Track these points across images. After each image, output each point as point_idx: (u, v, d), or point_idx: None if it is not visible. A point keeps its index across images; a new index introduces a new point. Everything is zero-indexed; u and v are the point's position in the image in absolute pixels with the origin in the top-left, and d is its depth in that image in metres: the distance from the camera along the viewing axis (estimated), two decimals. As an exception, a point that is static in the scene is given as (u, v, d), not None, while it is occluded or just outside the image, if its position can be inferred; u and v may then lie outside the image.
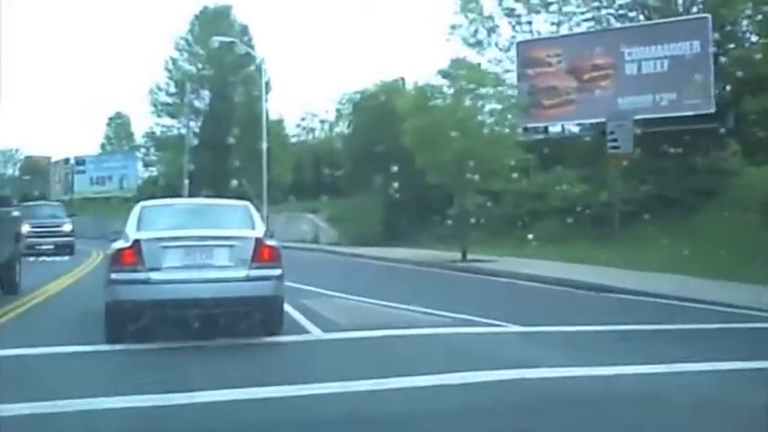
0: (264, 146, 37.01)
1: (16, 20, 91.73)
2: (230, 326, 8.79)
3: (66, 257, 24.45)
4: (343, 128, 33.97)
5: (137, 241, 8.50)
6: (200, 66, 46.40)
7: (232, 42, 42.12)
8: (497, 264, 18.16)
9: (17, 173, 79.61)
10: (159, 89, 46.80)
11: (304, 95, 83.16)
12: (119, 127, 70.67)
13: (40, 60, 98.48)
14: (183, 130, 46.41)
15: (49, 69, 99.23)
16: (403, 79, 28.20)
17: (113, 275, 8.47)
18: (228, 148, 43.36)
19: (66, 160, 55.53)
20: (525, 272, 16.19)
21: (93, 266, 20.03)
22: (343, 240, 27.57)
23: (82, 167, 53.67)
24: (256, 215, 9.64)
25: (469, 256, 19.64)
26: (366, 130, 26.44)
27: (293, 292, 10.98)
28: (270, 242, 8.91)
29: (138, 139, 66.05)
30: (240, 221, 9.33)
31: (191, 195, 37.58)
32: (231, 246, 8.65)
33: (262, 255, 8.63)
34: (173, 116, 47.41)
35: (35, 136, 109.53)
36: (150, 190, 52.45)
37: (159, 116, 48.15)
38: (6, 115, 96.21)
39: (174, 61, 46.69)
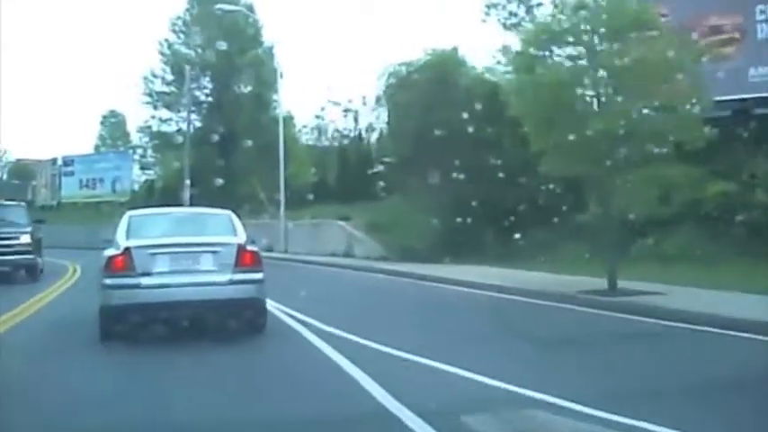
0: (281, 139, 31.15)
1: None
2: (216, 326, 9.03)
3: (31, 282, 17.85)
4: (377, 114, 27.85)
5: (127, 249, 8.97)
6: (199, 50, 40.37)
7: (237, 18, 36.26)
8: (670, 298, 11.49)
9: (5, 176, 74.57)
10: (154, 76, 40.71)
11: (318, 85, 75.06)
12: (113, 126, 65.57)
13: (29, 57, 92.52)
14: (183, 125, 40.43)
15: (38, 66, 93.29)
16: (456, 49, 22.14)
17: (106, 281, 8.93)
18: (234, 144, 37.59)
19: (54, 161, 49.59)
20: (738, 315, 9.75)
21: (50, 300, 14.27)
22: (389, 254, 21.57)
23: (70, 168, 47.74)
24: (238, 223, 9.97)
25: (621, 284, 12.73)
26: (416, 113, 20.44)
27: (359, 351, 8.18)
28: (251, 248, 9.42)
29: (134, 137, 60.81)
30: (223, 229, 9.76)
31: (192, 198, 31.92)
32: (215, 252, 9.19)
33: (244, 260, 9.16)
34: (170, 108, 41.32)
35: (26, 137, 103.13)
36: (146, 195, 46.74)
37: (155, 108, 42.00)
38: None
39: (170, 45, 40.62)
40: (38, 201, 52.75)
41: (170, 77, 40.98)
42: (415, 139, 20.73)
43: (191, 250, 9.13)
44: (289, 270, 22.00)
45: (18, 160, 68.96)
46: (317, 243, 26.53)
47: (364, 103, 33.84)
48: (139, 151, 63.94)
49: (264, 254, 29.31)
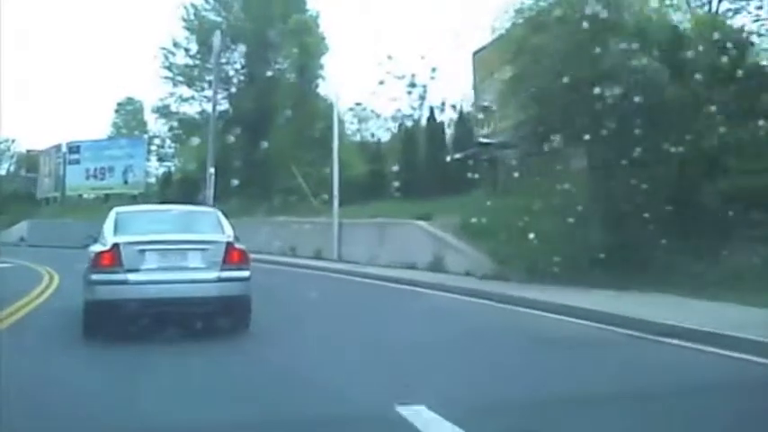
0: (335, 121, 24.65)
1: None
2: (202, 324, 8.74)
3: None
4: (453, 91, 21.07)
5: (116, 245, 8.88)
6: (230, 17, 33.89)
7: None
8: None
9: (12, 168, 68.83)
10: (176, 46, 34.23)
11: (367, 61, 64.81)
12: (129, 114, 59.86)
13: (41, 43, 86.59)
14: (207, 105, 33.96)
15: (49, 52, 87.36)
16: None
17: (93, 276, 8.84)
18: (270, 128, 31.11)
19: (58, 148, 43.16)
20: None
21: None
22: (506, 271, 14.79)
23: (76, 156, 41.33)
24: (225, 221, 9.89)
25: None
26: (554, 67, 13.73)
27: None
28: (239, 246, 9.31)
29: (153, 127, 54.93)
30: (210, 227, 9.72)
31: (216, 191, 25.59)
32: (204, 249, 9.15)
33: (232, 257, 9.13)
34: (193, 85, 34.82)
35: (36, 127, 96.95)
36: (162, 187, 40.37)
37: (175, 85, 35.45)
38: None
39: (196, 9, 34.14)
40: (39, 193, 46.60)
41: (194, 49, 34.52)
42: (552, 105, 14.09)
43: (180, 247, 9.13)
44: (347, 290, 15.88)
45: (28, 151, 63.26)
46: (383, 249, 19.92)
47: (432, 77, 27.23)
48: (157, 141, 58.36)
49: (312, 262, 19.29)
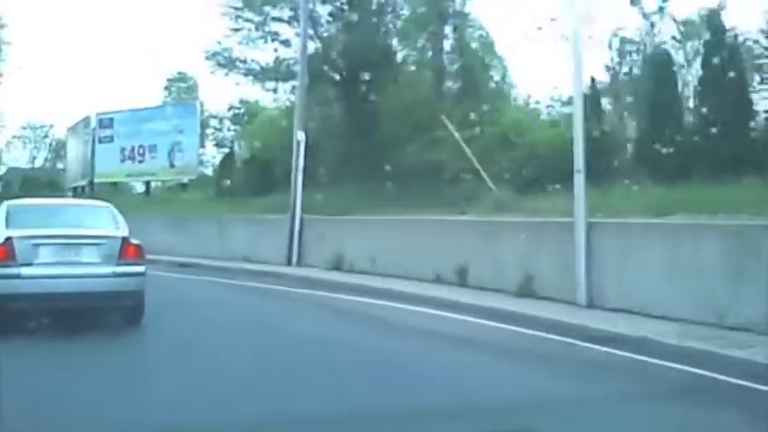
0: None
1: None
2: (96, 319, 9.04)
3: None
4: None
5: (8, 239, 8.88)
6: None
7: None
8: None
9: (49, 156, 60.29)
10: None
11: None
12: (181, 93, 50.33)
13: (76, 20, 77.39)
14: (284, 51, 23.24)
15: (90, 27, 78.15)
16: None
17: None
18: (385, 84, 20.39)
19: (86, 122, 32.96)
20: None
21: None
22: None
23: (108, 132, 30.99)
24: (119, 215, 9.94)
25: None
26: None
27: None
28: (135, 241, 9.37)
29: (209, 102, 45.07)
30: (105, 221, 9.76)
31: (305, 179, 15.32)
32: (99, 244, 9.20)
33: (128, 253, 9.20)
34: (261, 25, 23.82)
35: (74, 113, 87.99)
36: (221, 172, 29.77)
37: (245, 42, 24.47)
38: (35, 86, 75.76)
39: None
40: (67, 181, 36.54)
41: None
42: None
43: (75, 242, 9.16)
44: None
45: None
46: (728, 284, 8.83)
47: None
48: (213, 123, 48.32)
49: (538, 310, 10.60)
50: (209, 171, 36.16)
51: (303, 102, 18.66)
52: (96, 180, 31.69)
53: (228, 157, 30.41)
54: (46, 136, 60.54)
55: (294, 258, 17.26)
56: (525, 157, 15.53)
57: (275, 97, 26.34)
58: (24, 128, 60.39)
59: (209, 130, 45.59)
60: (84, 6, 78.28)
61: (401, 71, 21.98)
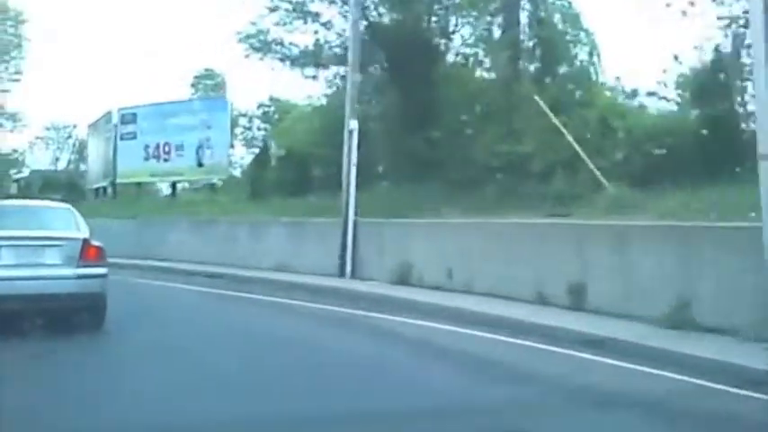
0: None
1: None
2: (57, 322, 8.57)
3: None
4: None
5: None
6: None
7: None
8: None
9: (73, 156, 58.40)
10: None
11: None
12: (209, 90, 48.18)
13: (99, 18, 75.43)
14: (324, 33, 20.38)
15: (115, 23, 76.13)
16: None
17: None
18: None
19: (107, 117, 30.40)
20: None
21: None
22: None
23: (130, 128, 28.39)
24: (79, 217, 9.88)
25: None
26: None
27: None
28: (96, 243, 9.30)
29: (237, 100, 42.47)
30: (65, 223, 9.65)
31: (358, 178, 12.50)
32: (60, 246, 9.09)
33: (89, 254, 9.11)
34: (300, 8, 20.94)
35: (97, 111, 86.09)
36: (254, 171, 26.94)
37: (282, 24, 21.49)
38: (58, 85, 73.94)
39: None
40: (89, 182, 34.01)
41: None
42: None
43: (36, 243, 9.09)
44: None
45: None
46: None
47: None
48: (242, 122, 45.66)
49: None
50: (237, 173, 33.46)
51: (355, 86, 15.86)
52: (119, 180, 29.18)
53: (263, 153, 27.53)
54: (69, 136, 58.75)
55: (348, 269, 14.43)
56: (635, 147, 12.58)
57: (309, 94, 23.65)
58: (48, 128, 58.81)
59: (237, 129, 43.09)
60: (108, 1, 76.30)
61: (460, 53, 19.17)
